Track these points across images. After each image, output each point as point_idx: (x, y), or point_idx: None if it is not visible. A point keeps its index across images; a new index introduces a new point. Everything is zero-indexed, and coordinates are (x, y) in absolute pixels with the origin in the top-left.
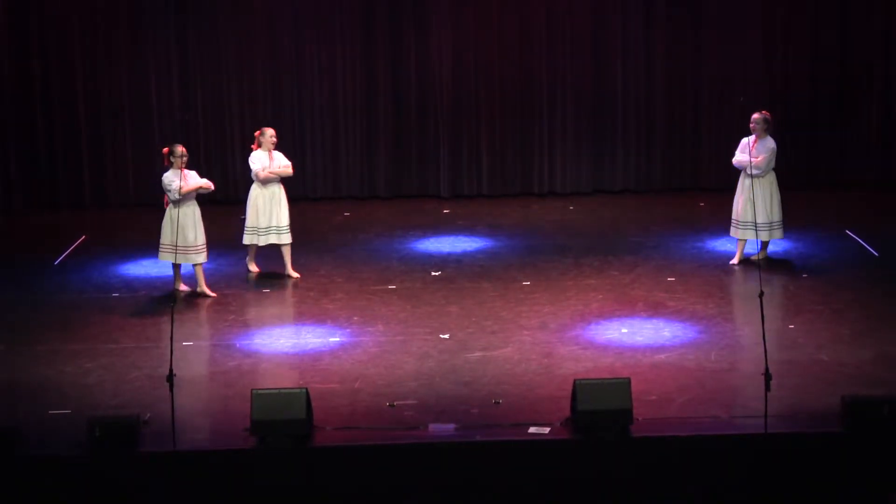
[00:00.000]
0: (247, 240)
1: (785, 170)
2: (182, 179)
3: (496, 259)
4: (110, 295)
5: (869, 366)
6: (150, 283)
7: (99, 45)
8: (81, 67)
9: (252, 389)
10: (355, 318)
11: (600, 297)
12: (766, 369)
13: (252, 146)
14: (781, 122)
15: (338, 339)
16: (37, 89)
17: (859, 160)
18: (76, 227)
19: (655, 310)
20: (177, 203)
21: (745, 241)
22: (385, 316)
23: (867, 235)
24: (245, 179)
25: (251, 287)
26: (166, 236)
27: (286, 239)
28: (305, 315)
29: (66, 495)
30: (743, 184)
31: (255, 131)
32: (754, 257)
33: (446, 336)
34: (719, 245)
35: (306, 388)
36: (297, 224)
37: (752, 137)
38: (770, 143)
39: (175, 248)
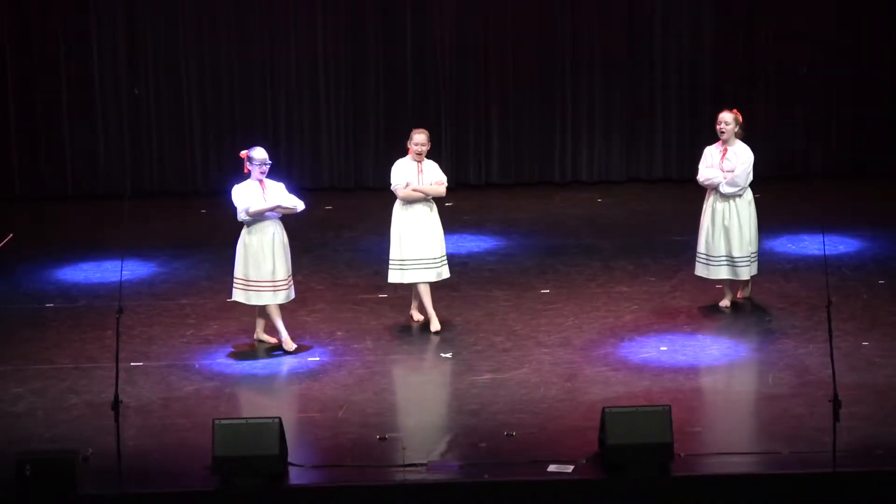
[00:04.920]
0: (392, 277)
1: (850, 157)
2: (260, 194)
3: (509, 262)
4: (43, 305)
5: None
6: (90, 290)
7: (32, 14)
8: (9, 40)
9: (214, 419)
10: (339, 334)
11: (635, 307)
12: (835, 395)
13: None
14: (855, 101)
15: (317, 359)
16: None
17: None
18: (2, 222)
19: (700, 323)
20: (250, 225)
21: (737, 280)
22: (375, 330)
23: None
24: (207, 167)
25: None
26: (238, 268)
27: (433, 275)
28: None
29: None
30: (713, 207)
31: (216, 110)
32: (723, 303)
33: (448, 355)
34: (778, 245)
35: (279, 418)
36: None
37: (718, 145)
38: (745, 150)
39: (247, 283)
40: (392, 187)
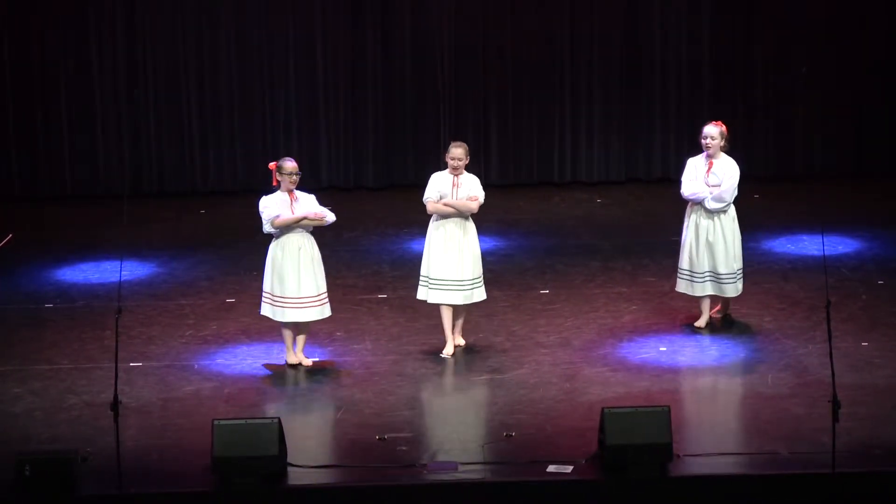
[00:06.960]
0: (420, 293)
1: (849, 157)
2: (289, 206)
3: (508, 262)
4: (42, 306)
5: None
6: (89, 291)
7: (31, 14)
8: (8, 40)
9: (213, 420)
10: (338, 334)
11: (634, 308)
12: (834, 395)
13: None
14: (855, 101)
15: (317, 359)
16: None
17: None
18: (1, 223)
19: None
20: (277, 237)
21: (708, 297)
22: (374, 331)
23: None
24: (206, 167)
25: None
26: (266, 282)
27: (459, 298)
28: (277, 330)
29: None
30: (697, 222)
31: (215, 110)
32: (698, 323)
33: (448, 355)
34: (777, 246)
35: (278, 419)
36: None
37: (703, 158)
38: (732, 165)
39: (273, 298)
40: (423, 199)
